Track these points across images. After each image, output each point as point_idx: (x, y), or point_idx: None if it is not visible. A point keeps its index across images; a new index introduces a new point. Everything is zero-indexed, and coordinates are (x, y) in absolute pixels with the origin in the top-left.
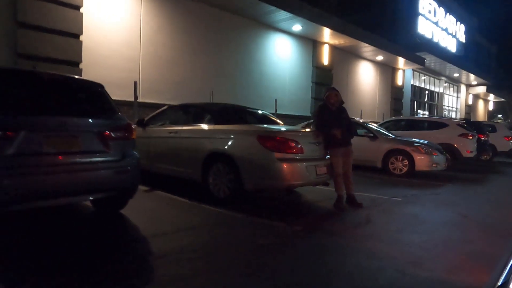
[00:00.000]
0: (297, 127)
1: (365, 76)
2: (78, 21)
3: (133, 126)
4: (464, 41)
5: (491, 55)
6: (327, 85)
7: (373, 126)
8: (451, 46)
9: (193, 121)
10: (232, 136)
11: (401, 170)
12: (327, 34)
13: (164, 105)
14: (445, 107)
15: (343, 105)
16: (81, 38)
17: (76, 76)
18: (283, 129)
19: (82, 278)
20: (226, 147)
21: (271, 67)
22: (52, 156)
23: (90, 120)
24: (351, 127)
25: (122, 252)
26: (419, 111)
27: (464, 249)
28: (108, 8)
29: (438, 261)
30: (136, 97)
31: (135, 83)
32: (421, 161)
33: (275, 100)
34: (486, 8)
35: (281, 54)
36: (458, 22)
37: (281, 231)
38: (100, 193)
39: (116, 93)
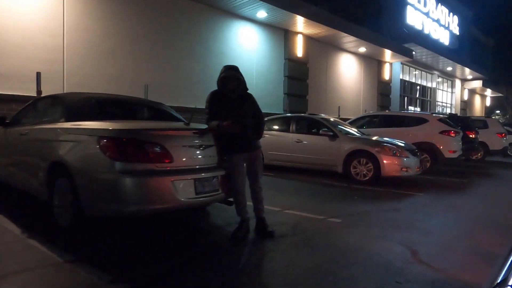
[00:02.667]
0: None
1: (347, 70)
2: None
3: None
4: (458, 33)
5: (487, 48)
6: (301, 80)
7: (337, 123)
8: (444, 38)
9: (46, 118)
10: (72, 139)
11: (365, 175)
12: (300, 23)
13: None
14: (439, 103)
15: (249, 92)
16: None
17: None
18: (142, 126)
19: None
20: (64, 155)
21: (234, 60)
22: None
23: None
24: (260, 123)
25: None
26: (410, 107)
27: None
28: None
29: None
30: (39, 91)
31: (38, 74)
32: (388, 165)
33: None
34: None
35: (246, 45)
36: (451, 13)
37: None
38: None
39: (34, 88)
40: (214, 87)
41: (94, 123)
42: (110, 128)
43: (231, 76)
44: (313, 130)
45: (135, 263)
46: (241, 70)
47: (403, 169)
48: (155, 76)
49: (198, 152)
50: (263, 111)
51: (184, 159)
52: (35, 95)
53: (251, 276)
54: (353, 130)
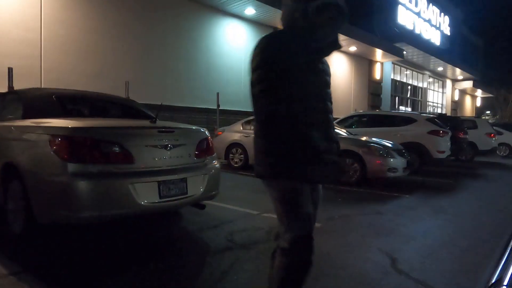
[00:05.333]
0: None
1: (338, 69)
2: None
3: None
4: (449, 33)
5: (478, 49)
6: None
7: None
8: (435, 38)
9: (5, 115)
10: (24, 138)
11: (351, 176)
12: None
13: None
14: (430, 103)
15: None
16: None
17: None
18: (99, 124)
19: None
20: (15, 156)
21: (221, 57)
22: None
23: None
24: None
25: None
26: (401, 107)
27: None
28: None
29: None
30: (10, 87)
31: (9, 70)
32: (374, 166)
33: (217, 94)
34: (471, 0)
35: (234, 43)
36: (442, 14)
37: None
38: None
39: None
40: (201, 84)
41: (47, 121)
42: (62, 126)
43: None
44: None
45: (87, 276)
46: (229, 67)
47: (390, 170)
48: (137, 73)
49: (164, 152)
50: (249, 110)
51: (147, 160)
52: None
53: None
54: (341, 130)
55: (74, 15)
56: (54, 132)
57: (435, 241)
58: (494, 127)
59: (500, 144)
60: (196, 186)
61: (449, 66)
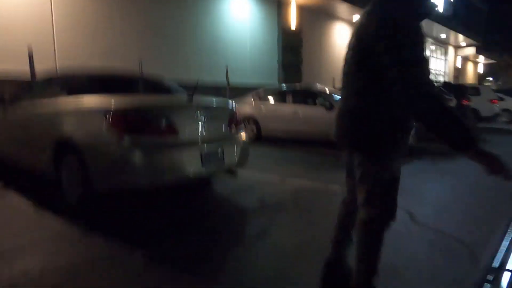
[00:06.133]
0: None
1: (340, 39)
2: None
3: None
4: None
5: (481, 14)
6: (296, 50)
7: (333, 94)
8: (439, 4)
9: (51, 95)
10: (77, 116)
11: None
12: None
13: None
14: (432, 71)
15: None
16: None
17: None
18: (149, 100)
19: None
20: (71, 133)
21: (227, 31)
22: None
23: None
24: None
25: None
26: None
27: None
28: None
29: None
30: (32, 71)
31: (30, 53)
32: None
33: (226, 67)
34: None
35: (239, 16)
36: None
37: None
38: None
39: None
40: (209, 58)
41: (100, 98)
42: (120, 103)
43: None
44: (310, 101)
45: (146, 234)
46: (234, 42)
47: None
48: (147, 50)
49: (203, 125)
50: (258, 82)
51: (190, 133)
52: (29, 69)
53: (258, 242)
54: None
55: None
56: (111, 108)
57: (446, 198)
58: (497, 94)
59: (503, 110)
60: (231, 155)
61: (452, 33)
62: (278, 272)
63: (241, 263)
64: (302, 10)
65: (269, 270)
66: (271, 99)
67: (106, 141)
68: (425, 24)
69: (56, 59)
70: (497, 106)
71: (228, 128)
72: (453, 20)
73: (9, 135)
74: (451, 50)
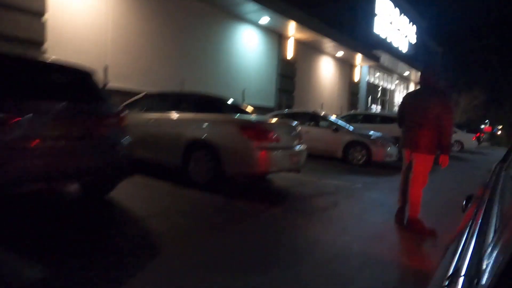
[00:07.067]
0: (266, 117)
1: (326, 71)
2: None
3: (125, 113)
4: (414, 41)
5: (437, 56)
6: (291, 78)
7: (336, 119)
8: (403, 45)
9: (172, 109)
10: (213, 125)
11: (358, 160)
12: (292, 28)
13: (133, 91)
14: (396, 103)
15: None
16: (46, 17)
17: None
18: (261, 119)
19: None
20: (207, 136)
21: (238, 58)
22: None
23: (88, 106)
24: None
25: (129, 229)
26: (373, 105)
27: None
28: None
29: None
30: (105, 82)
31: (105, 68)
32: (377, 152)
33: (243, 91)
34: (433, 11)
35: (248, 46)
36: (411, 23)
37: (259, 213)
38: (95, 175)
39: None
40: (223, 80)
41: (224, 116)
42: (247, 119)
43: None
44: (314, 124)
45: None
46: (242, 67)
47: (387, 156)
48: (173, 72)
49: (290, 136)
50: (259, 104)
51: (285, 141)
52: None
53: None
54: (345, 125)
55: (132, 21)
56: (242, 123)
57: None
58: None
59: (455, 141)
60: (301, 158)
61: (413, 71)
62: (353, 220)
63: (328, 217)
64: (298, 44)
65: (348, 219)
66: None
67: (238, 143)
68: (393, 63)
69: (109, 74)
70: (452, 137)
71: (299, 140)
72: (414, 59)
73: (146, 137)
74: (411, 85)
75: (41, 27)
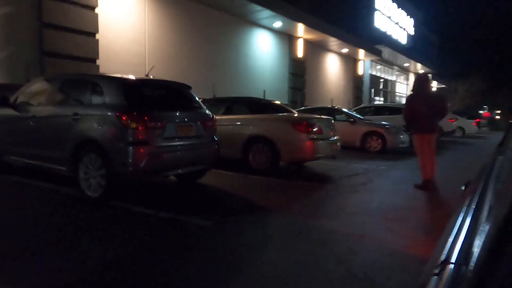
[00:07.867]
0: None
1: (333, 67)
2: (94, 20)
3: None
4: (412, 33)
5: (434, 46)
6: (301, 76)
7: (352, 112)
8: (402, 38)
9: (231, 111)
10: (269, 122)
11: (375, 148)
12: (301, 30)
13: None
14: (397, 94)
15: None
16: (97, 36)
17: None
18: (307, 116)
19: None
20: (265, 132)
21: (254, 60)
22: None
23: (195, 113)
24: None
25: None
26: (376, 97)
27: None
28: (118, 8)
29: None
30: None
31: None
32: (392, 140)
33: (264, 91)
34: (429, 3)
35: (262, 48)
36: (408, 16)
37: (316, 189)
38: (203, 164)
39: None
40: (243, 82)
41: (277, 115)
42: (297, 117)
43: None
44: (338, 117)
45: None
46: (259, 69)
47: (400, 143)
48: (212, 76)
49: (328, 129)
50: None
51: (326, 133)
52: None
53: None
54: (361, 117)
55: (165, 34)
56: (293, 120)
57: (449, 167)
58: (454, 114)
59: (457, 127)
60: (338, 146)
61: (412, 62)
62: (390, 189)
63: (369, 188)
64: (306, 43)
65: (385, 189)
66: None
67: (292, 136)
68: (393, 55)
69: None
70: (455, 124)
71: (334, 132)
72: (413, 51)
73: None
74: (411, 76)
75: (95, 45)
